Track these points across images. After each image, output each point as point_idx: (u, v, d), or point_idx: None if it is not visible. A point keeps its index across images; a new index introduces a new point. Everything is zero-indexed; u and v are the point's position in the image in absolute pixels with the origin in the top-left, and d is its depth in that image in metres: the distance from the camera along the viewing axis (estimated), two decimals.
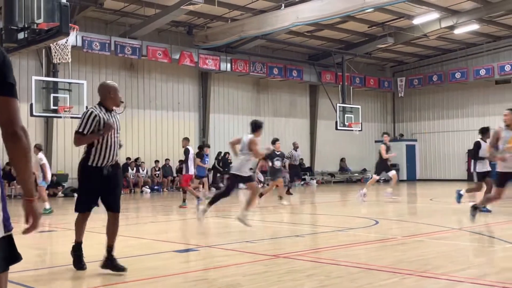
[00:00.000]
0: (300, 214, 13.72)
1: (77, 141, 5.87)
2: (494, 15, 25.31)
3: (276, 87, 29.19)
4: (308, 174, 29.28)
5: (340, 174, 31.29)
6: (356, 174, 31.70)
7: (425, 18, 24.61)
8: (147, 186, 23.06)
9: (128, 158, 23.23)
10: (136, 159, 23.59)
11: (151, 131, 24.67)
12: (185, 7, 19.83)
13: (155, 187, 23.43)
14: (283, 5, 21.44)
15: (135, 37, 22.81)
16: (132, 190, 22.66)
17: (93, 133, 5.79)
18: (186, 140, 15.35)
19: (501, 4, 23.48)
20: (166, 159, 24.42)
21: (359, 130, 28.64)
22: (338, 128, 27.74)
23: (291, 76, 28.17)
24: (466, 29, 26.11)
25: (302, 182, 28.13)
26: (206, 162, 16.89)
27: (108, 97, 5.95)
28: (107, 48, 21.75)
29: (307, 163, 30.19)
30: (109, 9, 21.81)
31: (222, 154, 25.14)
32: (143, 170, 23.42)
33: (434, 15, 24.38)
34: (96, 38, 21.61)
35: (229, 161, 25.18)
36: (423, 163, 33.01)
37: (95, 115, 5.79)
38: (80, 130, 5.79)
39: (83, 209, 6.01)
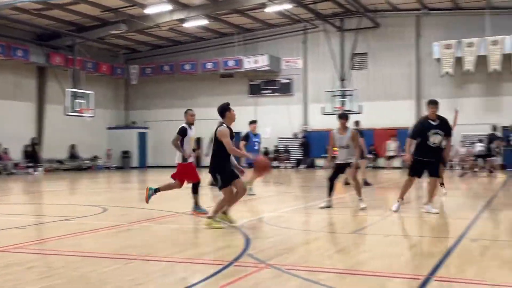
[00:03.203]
0: (23, 204, 12.85)
1: None
2: (220, 13, 27.27)
3: None
4: (32, 161, 27.50)
5: (69, 162, 30.13)
6: (87, 162, 30.93)
7: (157, 9, 25.17)
8: None
9: None
10: None
11: None
12: None
13: None
14: None
15: None
16: None
17: None
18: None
19: (226, 3, 25.45)
20: None
21: (91, 117, 28.00)
22: (68, 113, 26.73)
23: (16, 55, 25.97)
24: (196, 23, 27.58)
25: (29, 170, 26.31)
26: None
27: None
28: None
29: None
30: None
31: None
32: None
33: (167, 6, 25.12)
34: None
35: None
36: (154, 150, 33.86)
37: None
38: None
39: None
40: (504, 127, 25.89)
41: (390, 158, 25.41)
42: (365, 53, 29.42)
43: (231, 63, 30.56)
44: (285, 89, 31.09)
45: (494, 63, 25.38)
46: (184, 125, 9.98)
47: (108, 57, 32.80)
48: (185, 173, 9.78)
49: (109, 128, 33.21)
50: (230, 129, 7.95)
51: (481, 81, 26.67)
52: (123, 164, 32.39)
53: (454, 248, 6.34)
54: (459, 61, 26.08)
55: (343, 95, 28.25)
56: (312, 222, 9.14)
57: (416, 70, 28.29)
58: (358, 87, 28.56)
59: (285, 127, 30.16)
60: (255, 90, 31.66)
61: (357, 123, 16.42)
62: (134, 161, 32.88)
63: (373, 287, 4.71)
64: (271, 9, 25.95)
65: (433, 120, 9.33)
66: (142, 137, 33.61)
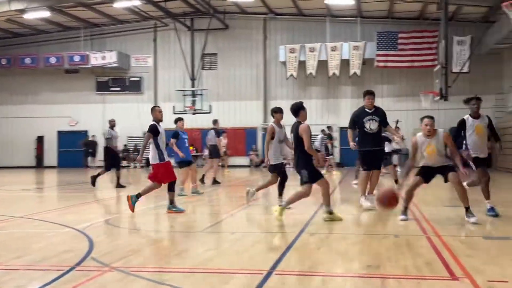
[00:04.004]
0: None
1: None
2: (64, 5, 25.95)
3: None
4: None
5: None
6: None
7: None
8: None
9: None
10: None
11: None
12: None
13: None
14: None
15: None
16: None
17: None
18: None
19: None
20: None
21: None
22: None
23: None
24: (37, 15, 25.95)
25: None
26: None
27: None
28: None
29: None
30: None
31: None
32: None
33: None
34: None
35: None
36: None
37: None
38: None
39: None
40: (341, 127, 27.86)
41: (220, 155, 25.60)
42: (215, 54, 29.88)
43: (76, 58, 29.25)
44: (135, 87, 30.50)
45: (333, 68, 27.22)
46: (153, 122, 9.55)
47: None
48: (162, 173, 9.43)
49: None
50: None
51: (322, 84, 28.42)
52: None
53: (295, 243, 6.69)
54: (302, 64, 27.56)
55: (194, 95, 28.42)
56: (160, 223, 9.07)
57: (263, 72, 29.36)
58: (208, 87, 28.94)
59: (135, 126, 29.53)
60: (102, 87, 30.63)
61: (215, 122, 16.70)
62: None
63: (216, 284, 4.81)
64: (119, 4, 25.30)
65: (369, 109, 9.71)
66: None
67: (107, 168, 15.35)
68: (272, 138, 9.75)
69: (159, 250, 6.55)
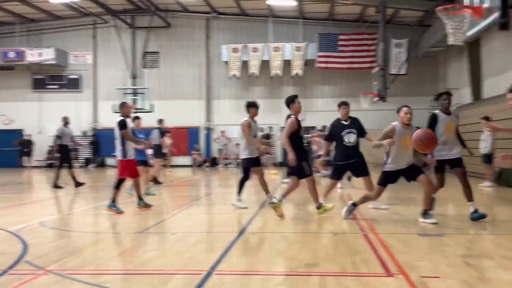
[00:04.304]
0: None
1: None
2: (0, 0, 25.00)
3: None
4: None
5: None
6: None
7: None
8: None
9: None
10: None
11: None
12: None
13: None
14: None
15: None
16: None
17: None
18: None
19: None
20: None
21: None
22: None
23: None
24: None
25: None
26: None
27: None
28: None
29: None
30: None
31: None
32: None
33: None
34: None
35: None
36: None
37: None
38: None
39: None
40: (283, 127, 28.17)
41: (165, 154, 25.46)
42: (157, 52, 29.51)
43: (11, 54, 28.19)
44: (73, 85, 29.72)
45: (276, 68, 27.44)
46: (122, 118, 9.54)
47: None
48: (121, 169, 9.53)
49: None
50: (298, 120, 8.62)
51: (264, 84, 28.58)
52: None
53: (235, 242, 6.70)
54: (245, 64, 27.64)
55: (135, 93, 27.97)
56: (99, 224, 8.89)
57: (206, 71, 29.23)
58: (150, 85, 28.56)
59: (73, 125, 28.58)
60: (39, 85, 29.67)
61: (160, 121, 16.48)
62: None
63: (155, 285, 4.75)
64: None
65: (345, 121, 9.67)
66: None
67: (69, 165, 15.07)
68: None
69: (97, 252, 6.40)
